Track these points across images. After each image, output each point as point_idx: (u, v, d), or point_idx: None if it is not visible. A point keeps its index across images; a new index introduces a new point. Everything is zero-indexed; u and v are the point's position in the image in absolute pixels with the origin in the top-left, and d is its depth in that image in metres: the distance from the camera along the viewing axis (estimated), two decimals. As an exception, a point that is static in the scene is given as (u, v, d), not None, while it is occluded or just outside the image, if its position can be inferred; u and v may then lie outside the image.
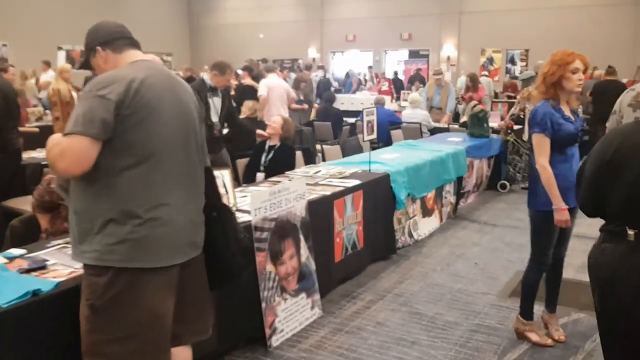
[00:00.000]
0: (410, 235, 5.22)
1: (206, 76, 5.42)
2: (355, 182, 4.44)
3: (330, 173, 4.74)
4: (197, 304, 2.22)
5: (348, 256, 4.25)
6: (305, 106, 10.21)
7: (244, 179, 4.98)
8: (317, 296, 3.74)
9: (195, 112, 2.17)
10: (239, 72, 10.29)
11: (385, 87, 15.47)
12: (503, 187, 7.35)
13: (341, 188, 4.24)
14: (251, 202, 3.27)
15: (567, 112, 3.19)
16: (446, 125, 8.55)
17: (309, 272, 3.68)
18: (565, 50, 3.15)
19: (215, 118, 5.23)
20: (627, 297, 1.99)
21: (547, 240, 3.26)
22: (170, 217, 1.99)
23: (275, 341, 3.33)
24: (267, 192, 3.39)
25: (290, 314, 3.47)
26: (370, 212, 4.49)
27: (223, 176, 3.35)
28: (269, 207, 3.35)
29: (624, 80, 10.96)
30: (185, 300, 2.13)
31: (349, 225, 4.26)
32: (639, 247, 1.98)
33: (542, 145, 3.12)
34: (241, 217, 3.32)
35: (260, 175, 4.86)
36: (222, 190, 3.41)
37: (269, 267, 3.34)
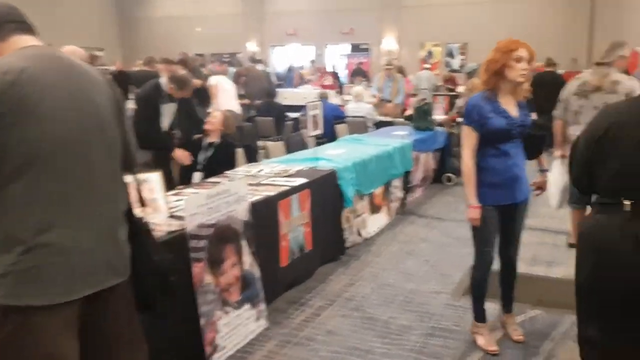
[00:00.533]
0: (359, 234, 5.01)
1: (164, 80, 4.99)
2: (301, 180, 4.17)
3: (274, 171, 4.45)
4: (125, 342, 1.84)
5: (295, 260, 3.99)
6: (247, 101, 9.87)
7: (180, 180, 4.62)
8: (262, 306, 3.45)
9: (105, 107, 1.80)
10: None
11: (329, 81, 15.28)
12: (449, 180, 7.28)
13: (286, 187, 3.97)
14: (185, 208, 2.94)
15: (507, 106, 3.00)
16: (390, 119, 8.41)
17: (253, 281, 3.39)
18: (510, 38, 2.99)
19: (165, 124, 4.88)
20: (623, 264, 2.04)
21: (484, 237, 3.09)
22: (66, 239, 1.62)
23: None
24: (203, 196, 3.07)
25: (234, 328, 3.17)
26: (317, 211, 4.24)
27: (150, 180, 3.01)
28: (206, 211, 3.03)
29: (561, 72, 11.21)
30: (108, 339, 1.77)
31: (295, 227, 3.99)
32: (635, 216, 2.03)
33: (467, 138, 3.02)
34: (171, 227, 2.99)
35: (197, 176, 4.52)
36: (151, 196, 3.12)
37: (208, 278, 3.02)
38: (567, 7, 15.40)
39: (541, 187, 3.30)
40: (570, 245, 4.92)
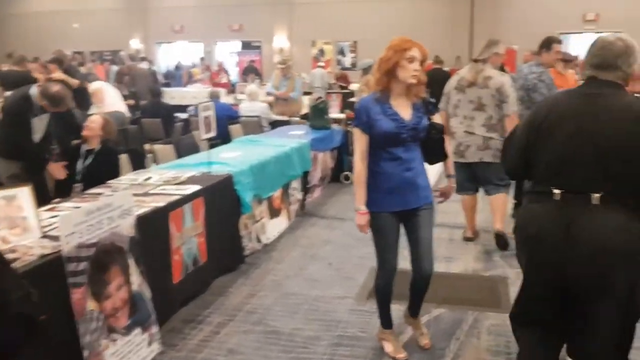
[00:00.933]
0: (259, 240, 4.78)
1: (34, 90, 4.43)
2: (194, 187, 3.87)
3: (164, 179, 4.10)
4: None
5: (190, 274, 3.69)
6: (132, 101, 9.27)
7: (56, 193, 4.13)
8: (155, 328, 3.12)
9: None
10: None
11: (225, 79, 14.87)
12: (347, 178, 7.23)
13: (177, 196, 3.65)
14: (61, 226, 2.56)
15: (400, 108, 2.83)
16: (286, 118, 8.24)
17: (143, 302, 3.06)
18: (403, 37, 2.85)
19: (37, 137, 4.42)
20: (553, 250, 2.12)
21: (383, 244, 2.94)
22: None
23: (104, 395, 2.68)
24: (82, 212, 2.69)
25: (123, 357, 2.83)
26: (213, 220, 3.96)
27: (18, 195, 2.59)
28: (85, 230, 2.66)
29: (446, 69, 11.66)
30: None
31: (189, 238, 3.69)
32: (564, 204, 2.12)
33: (357, 140, 2.89)
34: (44, 249, 2.60)
35: (76, 187, 4.07)
36: (20, 214, 2.70)
37: (91, 304, 2.66)
38: (450, 7, 16.09)
39: (445, 193, 3.14)
40: (466, 239, 5.03)
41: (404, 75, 2.77)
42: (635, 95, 2.88)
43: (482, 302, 3.80)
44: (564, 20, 14.42)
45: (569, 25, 14.55)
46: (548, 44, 5.13)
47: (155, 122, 8.13)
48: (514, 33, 13.98)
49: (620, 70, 2.18)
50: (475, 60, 4.79)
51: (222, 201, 4.15)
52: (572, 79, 5.97)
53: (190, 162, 4.76)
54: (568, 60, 6.21)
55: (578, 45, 12.87)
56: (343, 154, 7.24)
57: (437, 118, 2.99)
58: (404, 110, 2.85)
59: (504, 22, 15.20)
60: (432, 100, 2.99)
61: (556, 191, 2.14)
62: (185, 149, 5.94)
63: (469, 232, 5.04)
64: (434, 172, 3.10)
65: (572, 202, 2.11)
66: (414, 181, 2.88)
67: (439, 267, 4.33)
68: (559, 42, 5.21)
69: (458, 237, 5.09)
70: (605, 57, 2.19)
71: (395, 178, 2.85)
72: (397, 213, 2.89)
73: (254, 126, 7.79)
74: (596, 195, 2.08)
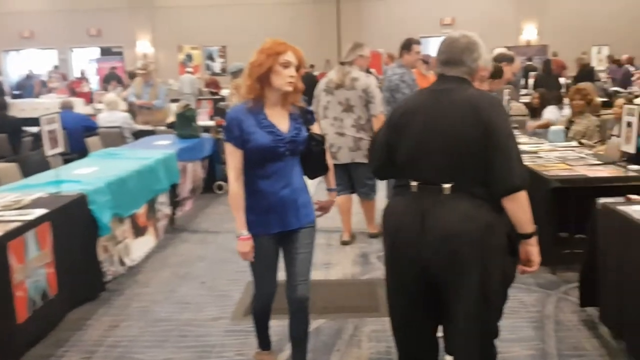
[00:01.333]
0: (122, 263, 4.34)
1: None
2: (38, 211, 3.39)
3: (3, 203, 3.57)
4: None
5: (37, 311, 3.21)
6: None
7: None
8: (-7, 382, 2.66)
9: None
10: None
11: (87, 88, 13.83)
12: (220, 188, 6.94)
13: (18, 223, 3.17)
14: None
15: (275, 118, 2.55)
16: (151, 128, 7.74)
17: (-24, 353, 2.59)
18: (276, 39, 2.57)
19: None
20: (410, 242, 2.19)
21: (258, 267, 2.68)
22: None
23: None
24: None
25: None
26: (64, 246, 3.50)
27: None
28: None
29: (316, 73, 11.77)
30: None
31: (34, 270, 3.22)
32: (419, 196, 2.20)
33: (230, 156, 2.56)
34: None
35: None
36: None
37: None
38: (318, 12, 16.30)
39: (325, 208, 2.87)
40: (343, 243, 4.98)
41: (279, 82, 2.49)
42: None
43: (362, 308, 3.73)
44: (423, 25, 15.21)
45: (428, 29, 15.33)
46: (408, 45, 5.29)
47: (1, 137, 7.27)
48: (378, 37, 14.48)
49: (464, 66, 2.25)
50: (342, 63, 4.88)
51: (74, 224, 3.70)
52: (434, 79, 6.17)
53: (37, 182, 4.21)
54: (429, 62, 6.43)
55: (436, 48, 13.59)
56: (215, 162, 6.94)
57: (316, 128, 2.75)
58: (281, 121, 2.57)
59: (368, 26, 15.71)
60: (310, 108, 2.80)
61: (413, 183, 2.22)
62: (34, 166, 5.31)
63: (346, 234, 5.02)
64: (310, 182, 2.88)
65: (426, 194, 2.19)
66: (294, 199, 2.62)
67: (317, 275, 4.23)
68: (418, 43, 5.38)
69: (336, 241, 5.02)
70: (451, 54, 2.27)
71: (273, 197, 2.57)
72: (275, 235, 2.63)
73: (115, 138, 7.22)
74: (447, 186, 2.16)
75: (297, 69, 2.52)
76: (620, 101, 5.12)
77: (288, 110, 2.60)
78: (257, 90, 2.51)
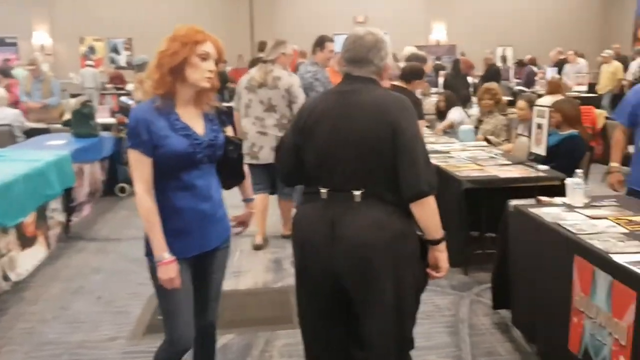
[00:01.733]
0: (7, 278, 3.87)
1: None
2: None
3: None
4: None
5: None
6: None
7: None
8: None
9: None
10: None
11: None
12: (122, 190, 6.50)
13: None
14: None
15: (189, 120, 2.15)
16: (45, 126, 7.11)
17: None
18: (193, 26, 2.14)
19: None
20: (320, 252, 2.08)
21: (172, 304, 2.17)
22: None
23: None
24: None
25: None
26: None
27: None
28: None
29: (228, 69, 11.46)
30: None
31: None
32: (329, 204, 2.08)
33: (137, 166, 2.09)
34: None
35: None
36: None
37: None
38: (230, 6, 15.86)
39: (244, 222, 2.51)
40: (256, 247, 4.78)
41: (195, 77, 2.09)
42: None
43: (274, 320, 3.52)
44: (337, 22, 15.15)
45: (341, 27, 15.31)
46: (321, 42, 5.18)
47: None
48: (291, 34, 14.23)
49: (372, 65, 2.14)
50: (264, 61, 4.73)
51: (-58, 239, 3.23)
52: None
53: None
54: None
55: (342, 45, 13.66)
56: (116, 163, 6.47)
57: (230, 131, 2.46)
58: (195, 122, 2.17)
59: (282, 22, 15.48)
60: (225, 108, 2.49)
61: (322, 191, 2.10)
62: None
63: (259, 237, 4.85)
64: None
65: (336, 201, 2.08)
66: (214, 214, 2.22)
67: (225, 284, 3.94)
68: (332, 41, 5.27)
69: (247, 247, 4.79)
70: (357, 52, 2.14)
71: (191, 214, 2.15)
72: (191, 259, 2.21)
73: (4, 137, 6.54)
74: (357, 193, 2.05)
75: (216, 63, 2.16)
76: (521, 103, 5.23)
77: (202, 109, 2.21)
78: (168, 85, 2.09)
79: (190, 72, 2.09)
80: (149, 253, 2.15)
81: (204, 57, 2.10)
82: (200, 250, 2.21)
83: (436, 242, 2.12)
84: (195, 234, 2.17)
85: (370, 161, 2.04)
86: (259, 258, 4.60)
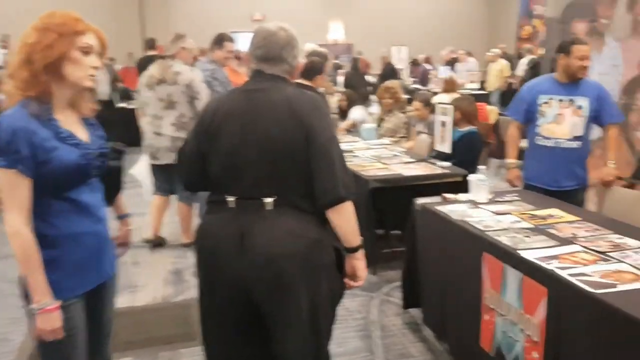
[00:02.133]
0: None
1: None
2: None
3: None
4: None
5: None
6: None
7: None
8: None
9: None
10: None
11: None
12: None
13: None
14: None
15: (69, 125, 1.79)
16: None
17: None
18: (69, 12, 1.78)
19: None
20: (228, 264, 1.92)
21: (62, 352, 1.80)
22: None
23: None
24: None
25: None
26: None
27: None
28: None
29: (118, 67, 10.89)
30: None
31: None
32: (239, 212, 1.92)
33: (12, 191, 1.66)
34: None
35: None
36: None
37: None
38: (117, 1, 15.07)
39: (126, 243, 2.18)
40: (147, 241, 4.68)
41: (77, 75, 1.74)
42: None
43: (176, 337, 3.26)
44: (234, 20, 14.89)
45: (238, 25, 15.06)
46: (220, 41, 4.97)
47: None
48: (187, 31, 13.77)
49: (285, 63, 2.00)
50: (163, 57, 4.57)
51: None
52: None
53: None
54: (241, 58, 6.17)
55: (247, 43, 13.45)
56: None
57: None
58: (77, 129, 1.82)
59: (176, 20, 14.95)
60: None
61: (230, 199, 1.93)
62: None
63: (151, 232, 4.72)
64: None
65: (245, 210, 1.92)
66: (107, 236, 1.92)
67: (120, 301, 3.63)
68: (231, 39, 5.05)
69: (143, 258, 4.47)
70: (270, 49, 1.99)
71: (90, 239, 1.81)
72: (85, 293, 1.86)
73: None
74: (269, 200, 1.90)
75: (100, 56, 1.82)
76: (417, 104, 5.34)
77: (80, 114, 1.86)
78: (42, 85, 1.71)
79: (71, 69, 1.72)
80: (26, 297, 1.74)
81: (87, 51, 1.75)
82: (97, 282, 1.88)
83: (354, 250, 1.99)
84: (93, 263, 1.84)
85: (282, 165, 1.89)
86: (157, 270, 4.30)
